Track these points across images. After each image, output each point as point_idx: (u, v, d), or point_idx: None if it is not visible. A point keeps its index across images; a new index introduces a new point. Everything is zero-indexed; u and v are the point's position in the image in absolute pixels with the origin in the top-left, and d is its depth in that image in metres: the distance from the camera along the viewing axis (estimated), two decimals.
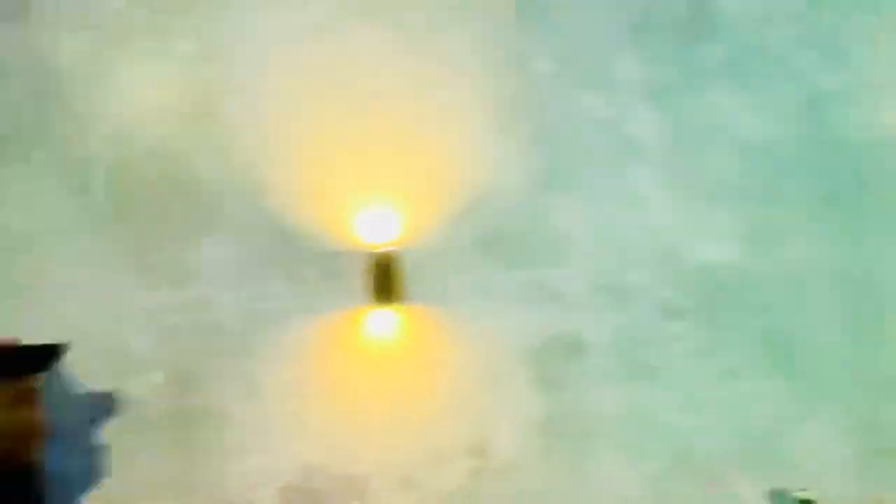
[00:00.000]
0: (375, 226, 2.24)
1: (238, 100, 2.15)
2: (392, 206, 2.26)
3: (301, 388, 2.17)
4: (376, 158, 2.25)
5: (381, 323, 2.24)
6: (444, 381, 2.29)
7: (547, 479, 2.34)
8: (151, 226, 2.07)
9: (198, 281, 2.09)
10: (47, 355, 1.40)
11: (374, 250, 2.22)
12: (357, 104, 2.25)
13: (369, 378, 2.23)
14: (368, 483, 2.20)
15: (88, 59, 2.07)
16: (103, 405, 1.98)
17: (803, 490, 2.26)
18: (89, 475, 1.97)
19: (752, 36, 2.50)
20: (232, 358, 2.12)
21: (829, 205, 2.48)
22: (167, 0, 2.13)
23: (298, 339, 2.17)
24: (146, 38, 2.11)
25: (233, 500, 2.09)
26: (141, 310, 2.04)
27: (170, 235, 2.08)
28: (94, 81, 2.07)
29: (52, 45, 2.06)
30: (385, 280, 2.22)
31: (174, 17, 2.12)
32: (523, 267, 2.37)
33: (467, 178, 2.33)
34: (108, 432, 2.00)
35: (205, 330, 2.10)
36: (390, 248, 2.23)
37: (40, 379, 1.42)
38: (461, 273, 2.31)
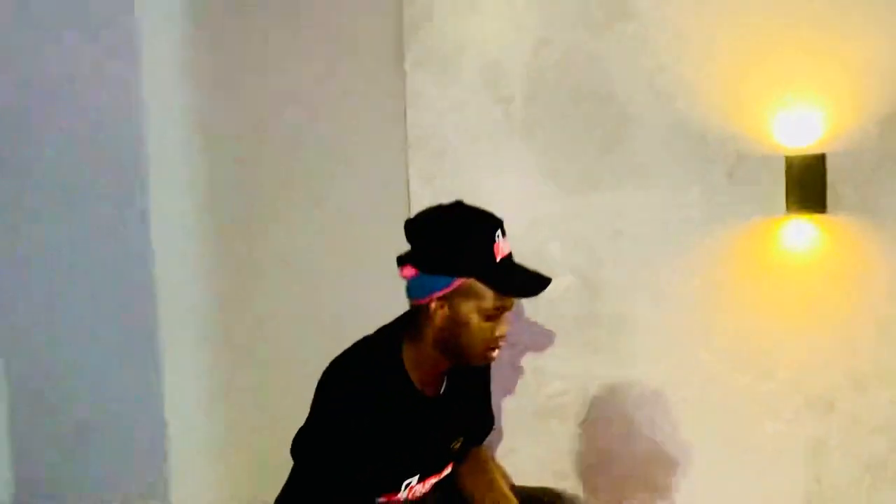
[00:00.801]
0: (796, 127, 2.03)
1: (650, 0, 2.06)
2: (815, 104, 2.03)
3: (709, 299, 2.10)
4: (798, 52, 2.02)
5: (800, 234, 2.06)
6: (868, 302, 2.06)
7: None
8: (565, 133, 2.10)
9: (608, 186, 2.09)
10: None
11: (794, 154, 2.03)
12: None
13: (783, 293, 2.08)
14: (781, 401, 2.09)
15: None
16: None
17: None
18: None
19: None
20: (638, 264, 2.11)
21: None
22: None
23: (708, 249, 2.09)
24: None
25: (637, 403, 2.12)
26: (555, 215, 2.10)
27: (582, 142, 2.09)
28: None
29: None
30: (805, 187, 2.02)
31: None
32: None
33: None
34: (521, 329, 2.12)
35: (613, 236, 2.11)
36: (812, 152, 2.02)
37: None
38: (893, 180, 2.03)
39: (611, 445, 2.14)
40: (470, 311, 1.41)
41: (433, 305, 1.42)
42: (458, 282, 1.41)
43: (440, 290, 1.41)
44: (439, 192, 2.10)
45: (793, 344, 2.09)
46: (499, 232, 1.44)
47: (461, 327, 1.42)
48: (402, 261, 1.47)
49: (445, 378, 1.54)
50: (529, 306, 2.11)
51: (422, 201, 2.09)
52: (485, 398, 1.72)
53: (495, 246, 1.41)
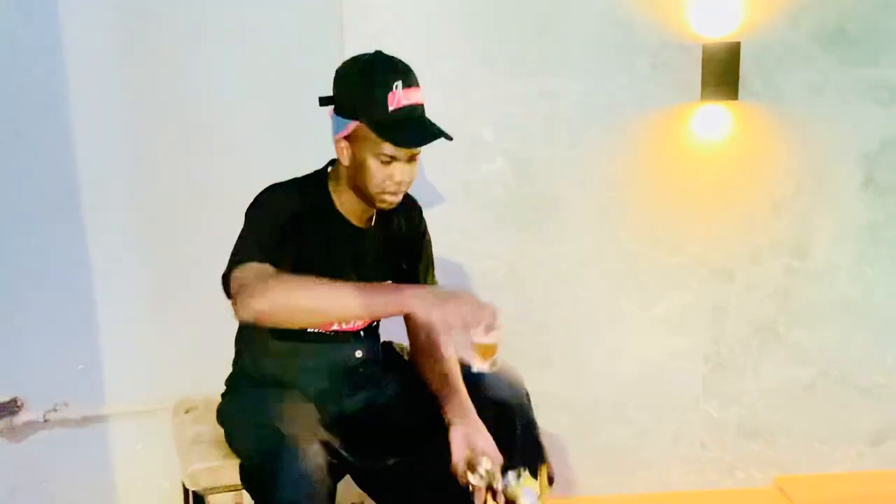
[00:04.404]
0: (711, 16, 2.15)
1: None
2: None
3: (629, 181, 2.25)
4: None
5: (712, 119, 2.22)
6: (768, 181, 2.28)
7: (866, 286, 2.33)
8: (501, 17, 2.13)
9: (539, 73, 2.16)
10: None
11: (711, 43, 2.16)
12: None
13: (694, 174, 2.26)
14: (688, 272, 2.30)
15: None
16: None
17: None
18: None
19: None
20: (566, 148, 2.22)
21: None
22: None
23: (630, 133, 2.22)
24: None
25: (562, 278, 2.28)
26: (489, 100, 2.16)
27: (517, 27, 2.13)
28: None
29: None
30: (719, 75, 2.16)
31: None
32: (867, 65, 2.22)
33: None
34: (455, 212, 2.21)
35: (543, 120, 2.20)
36: (727, 41, 2.15)
37: None
38: (798, 69, 2.21)
39: (536, 316, 2.30)
40: (366, 154, 1.48)
41: (341, 144, 1.51)
42: (353, 125, 1.48)
43: (340, 131, 1.51)
44: None
45: (700, 221, 2.29)
46: (399, 83, 1.45)
47: (358, 168, 1.50)
48: (323, 100, 1.54)
49: (374, 218, 1.63)
50: (462, 189, 2.20)
51: None
52: (415, 261, 1.75)
53: (390, 95, 1.44)
